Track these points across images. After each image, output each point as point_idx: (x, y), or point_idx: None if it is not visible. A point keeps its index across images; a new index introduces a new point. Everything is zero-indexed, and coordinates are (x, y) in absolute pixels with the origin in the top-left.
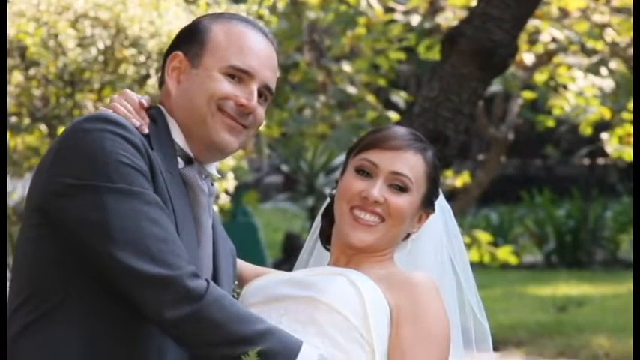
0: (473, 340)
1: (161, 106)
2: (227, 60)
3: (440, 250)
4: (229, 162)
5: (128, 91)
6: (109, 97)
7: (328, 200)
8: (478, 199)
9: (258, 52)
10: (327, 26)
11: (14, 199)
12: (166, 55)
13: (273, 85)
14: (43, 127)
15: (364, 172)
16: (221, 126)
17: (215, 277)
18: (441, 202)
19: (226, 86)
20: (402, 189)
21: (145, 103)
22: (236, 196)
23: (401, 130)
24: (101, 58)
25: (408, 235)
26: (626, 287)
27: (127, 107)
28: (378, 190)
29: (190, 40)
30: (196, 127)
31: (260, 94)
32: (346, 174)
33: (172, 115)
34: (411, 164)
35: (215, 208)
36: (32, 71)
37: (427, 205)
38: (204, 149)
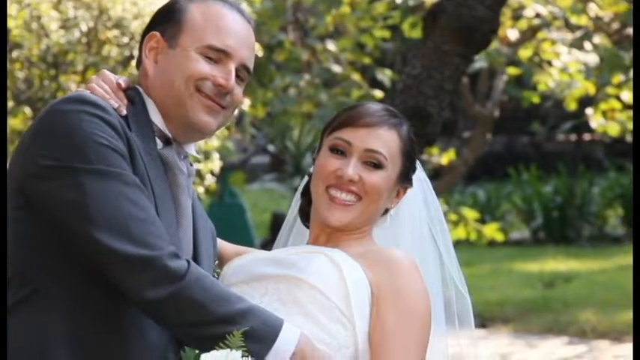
0: (455, 314)
1: (139, 87)
2: (204, 40)
3: (419, 223)
4: (214, 142)
5: (106, 71)
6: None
7: (306, 178)
8: (465, 176)
9: (236, 32)
10: (311, 5)
11: None
12: (143, 35)
13: (251, 65)
14: (27, 110)
15: (338, 151)
16: (199, 106)
17: (195, 258)
18: (418, 175)
19: (204, 66)
20: (377, 165)
21: (123, 84)
22: (222, 176)
23: (374, 107)
24: (84, 39)
25: (387, 211)
26: (614, 263)
27: (104, 88)
28: (352, 168)
29: (167, 20)
30: (174, 107)
31: (238, 74)
32: (321, 153)
33: (150, 96)
34: (385, 140)
35: (201, 189)
36: (15, 54)
37: (404, 180)
38: (183, 130)
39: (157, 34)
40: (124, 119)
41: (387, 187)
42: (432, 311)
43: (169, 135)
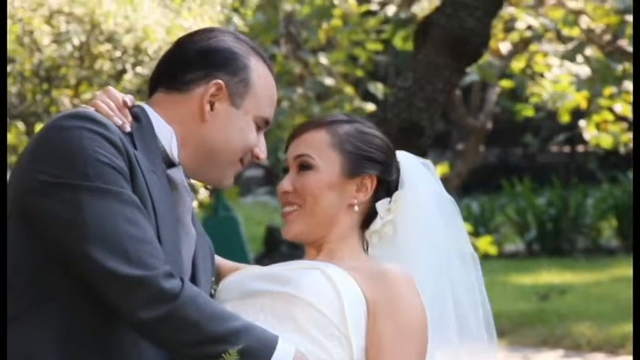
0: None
1: (146, 105)
2: (263, 111)
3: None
4: None
5: (111, 88)
6: (86, 93)
7: None
8: (459, 188)
9: (275, 101)
10: (304, 18)
11: None
12: (188, 64)
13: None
14: (20, 125)
15: (286, 170)
16: (233, 173)
17: (194, 276)
18: (436, 189)
19: (256, 136)
20: (306, 168)
21: (129, 102)
22: (216, 190)
23: (311, 119)
24: (77, 54)
25: (373, 216)
26: (608, 275)
27: (109, 105)
28: (286, 181)
29: (232, 72)
30: (217, 164)
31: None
32: None
33: (190, 136)
34: (310, 142)
35: (195, 203)
36: (8, 68)
37: (353, 173)
38: (203, 176)
39: (222, 83)
40: (129, 137)
41: (323, 185)
42: (441, 325)
43: (175, 161)
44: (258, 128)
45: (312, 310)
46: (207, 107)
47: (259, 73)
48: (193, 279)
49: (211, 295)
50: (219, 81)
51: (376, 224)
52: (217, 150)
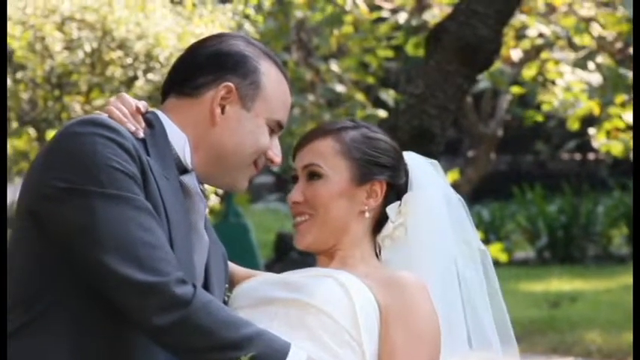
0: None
1: (159, 111)
2: (275, 114)
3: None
4: None
5: (125, 95)
6: (97, 100)
7: None
8: (469, 195)
9: (289, 106)
10: (315, 25)
11: None
12: (200, 68)
13: None
14: (32, 131)
15: (294, 180)
16: (248, 176)
17: (207, 283)
18: (449, 195)
19: (269, 139)
20: (316, 177)
21: (142, 108)
22: (227, 196)
23: (317, 127)
24: (88, 60)
25: (384, 220)
26: (619, 282)
27: (122, 111)
28: (295, 191)
29: (242, 75)
30: (229, 167)
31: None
32: None
33: (202, 140)
34: (318, 150)
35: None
36: (19, 75)
37: (362, 180)
38: (217, 180)
39: (232, 86)
40: (142, 143)
41: (334, 194)
42: (454, 332)
43: (188, 166)
44: (272, 131)
45: (324, 317)
46: (218, 110)
47: (270, 76)
48: (207, 286)
49: (224, 302)
50: (230, 84)
51: (388, 228)
52: (229, 153)
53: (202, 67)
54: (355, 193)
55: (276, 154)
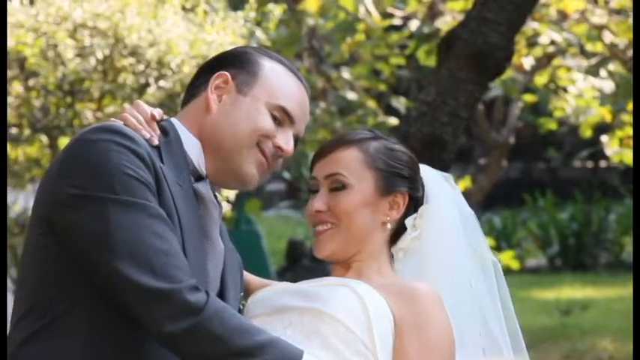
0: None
1: (174, 119)
2: (277, 99)
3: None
4: None
5: (140, 102)
6: (109, 107)
7: None
8: (481, 203)
9: (302, 104)
10: (327, 33)
11: (16, 211)
12: (202, 71)
13: (300, 138)
14: (44, 138)
15: (314, 190)
16: (253, 160)
17: (222, 291)
18: (461, 208)
19: (271, 124)
20: (341, 187)
21: (157, 116)
22: (238, 204)
23: (337, 136)
24: (100, 67)
25: (401, 232)
26: (631, 290)
27: (137, 118)
28: (318, 200)
29: (239, 67)
30: (229, 152)
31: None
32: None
33: (203, 132)
34: (342, 160)
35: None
36: (32, 82)
37: (386, 191)
38: (224, 174)
39: (227, 75)
40: (157, 150)
41: (358, 204)
42: (467, 343)
43: (203, 173)
44: (277, 121)
45: (339, 326)
46: (214, 97)
47: (272, 69)
48: (222, 294)
49: (239, 311)
50: (225, 72)
51: (405, 240)
52: (225, 135)
53: (204, 68)
54: (379, 204)
55: (285, 143)
